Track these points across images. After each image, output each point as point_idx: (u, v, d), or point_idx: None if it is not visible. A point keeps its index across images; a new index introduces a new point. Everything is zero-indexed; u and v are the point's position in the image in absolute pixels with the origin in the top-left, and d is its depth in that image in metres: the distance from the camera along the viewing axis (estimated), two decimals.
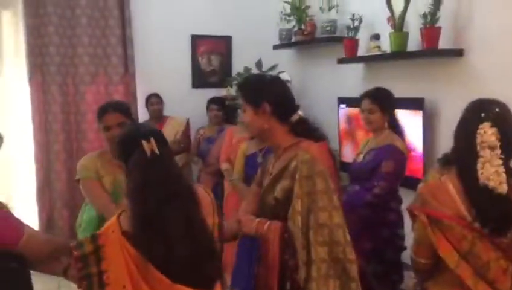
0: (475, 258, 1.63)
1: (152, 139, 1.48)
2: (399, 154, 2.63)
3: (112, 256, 1.41)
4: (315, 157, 1.71)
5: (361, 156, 2.81)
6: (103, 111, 2.42)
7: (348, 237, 1.67)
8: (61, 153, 4.24)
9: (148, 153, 1.47)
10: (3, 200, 1.88)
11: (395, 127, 2.78)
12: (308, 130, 1.85)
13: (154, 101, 4.41)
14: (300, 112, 1.87)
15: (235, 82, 4.54)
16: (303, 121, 1.86)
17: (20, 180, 4.24)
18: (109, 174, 2.40)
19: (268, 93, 1.82)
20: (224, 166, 3.71)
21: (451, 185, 1.67)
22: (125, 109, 2.49)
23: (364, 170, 2.70)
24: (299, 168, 1.70)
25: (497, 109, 1.64)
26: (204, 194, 1.62)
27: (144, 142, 1.47)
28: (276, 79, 1.98)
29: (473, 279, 1.63)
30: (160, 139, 1.54)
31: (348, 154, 3.70)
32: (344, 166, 3.51)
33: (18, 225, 1.78)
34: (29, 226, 1.83)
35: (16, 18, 4.12)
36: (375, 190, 2.59)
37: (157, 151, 1.47)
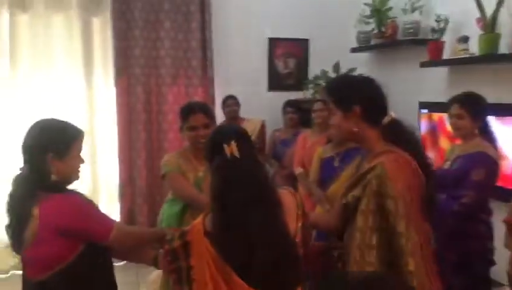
0: None
1: (233, 142, 1.46)
2: (491, 162, 2.49)
3: (198, 253, 1.43)
4: (392, 175, 1.60)
5: (448, 163, 2.68)
6: (189, 111, 2.44)
7: (412, 265, 1.56)
8: (142, 151, 4.40)
9: (228, 155, 1.45)
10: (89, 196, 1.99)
11: (487, 134, 2.62)
12: (400, 135, 1.72)
13: (231, 102, 4.48)
14: (392, 113, 1.74)
15: (311, 85, 4.51)
16: (396, 123, 1.73)
17: (104, 176, 4.45)
18: (191, 171, 2.43)
19: (359, 96, 1.72)
20: (297, 170, 3.70)
21: None
22: (209, 110, 2.53)
23: (450, 177, 2.57)
24: (371, 182, 1.63)
25: None
26: (289, 197, 1.57)
27: (225, 145, 1.46)
28: (368, 80, 1.82)
29: None
30: (245, 141, 1.52)
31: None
32: None
33: (107, 219, 1.85)
34: (114, 220, 1.91)
35: (105, 24, 4.34)
36: (463, 200, 2.46)
37: (237, 155, 1.45)
